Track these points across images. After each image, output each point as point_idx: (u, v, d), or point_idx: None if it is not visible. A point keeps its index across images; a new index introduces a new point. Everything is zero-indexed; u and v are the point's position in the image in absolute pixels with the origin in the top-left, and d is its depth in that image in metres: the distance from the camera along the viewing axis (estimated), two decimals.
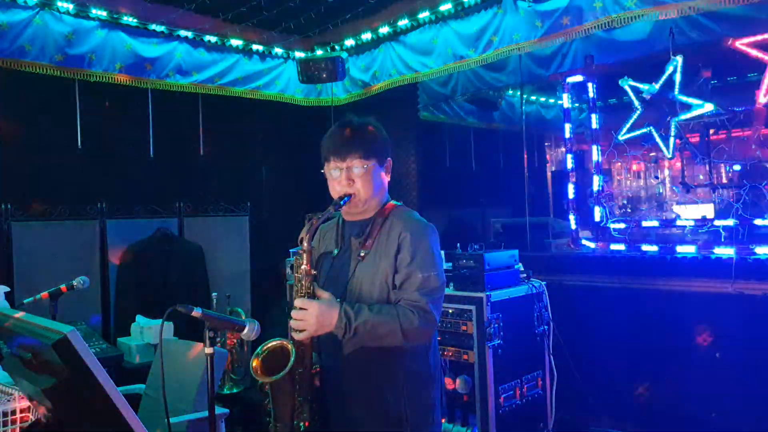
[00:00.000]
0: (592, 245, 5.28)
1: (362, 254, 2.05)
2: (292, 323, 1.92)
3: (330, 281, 2.10)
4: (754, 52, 4.56)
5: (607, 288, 4.67)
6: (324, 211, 2.02)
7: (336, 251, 2.16)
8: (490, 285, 3.80)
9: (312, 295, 1.95)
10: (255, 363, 1.95)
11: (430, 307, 1.94)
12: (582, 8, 4.27)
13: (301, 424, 1.95)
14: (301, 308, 1.91)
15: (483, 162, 8.29)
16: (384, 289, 1.99)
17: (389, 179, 2.18)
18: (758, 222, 4.37)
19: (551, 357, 4.12)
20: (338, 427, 2.04)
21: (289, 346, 1.93)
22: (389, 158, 2.17)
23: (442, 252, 2.25)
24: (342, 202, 2.04)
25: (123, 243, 5.30)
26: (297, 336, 1.92)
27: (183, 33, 5.30)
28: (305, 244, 1.97)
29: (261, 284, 6.05)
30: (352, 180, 2.05)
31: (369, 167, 2.06)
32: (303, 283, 1.96)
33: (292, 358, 1.90)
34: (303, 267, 1.96)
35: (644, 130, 5.15)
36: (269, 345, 1.98)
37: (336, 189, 2.09)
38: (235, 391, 4.94)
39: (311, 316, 1.89)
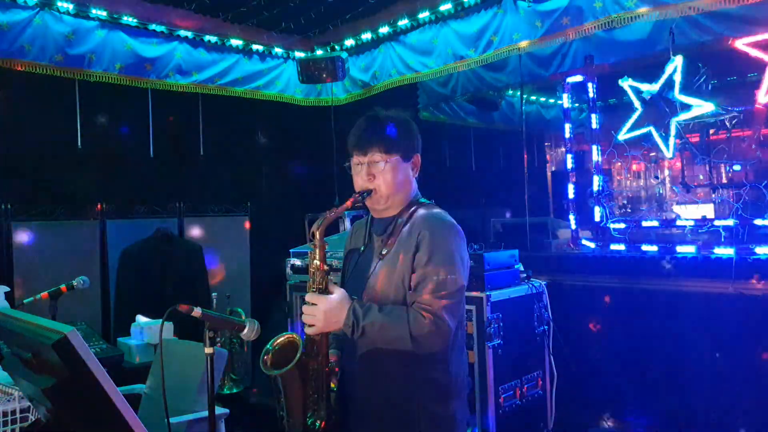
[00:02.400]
0: (592, 245, 5.28)
1: (383, 252, 2.00)
2: (302, 317, 1.91)
3: (354, 278, 2.08)
4: (754, 52, 4.56)
5: (607, 288, 4.67)
6: (341, 205, 1.96)
7: (362, 248, 2.12)
8: (490, 285, 3.79)
9: (324, 290, 1.91)
10: (266, 357, 1.93)
11: (444, 312, 1.84)
12: (582, 8, 4.27)
13: (317, 422, 1.92)
14: (311, 303, 1.89)
15: (483, 162, 8.30)
16: (400, 290, 1.93)
17: (417, 175, 2.10)
18: (758, 222, 4.37)
19: (551, 357, 4.11)
20: (352, 428, 2.02)
21: (298, 340, 1.92)
22: (417, 154, 2.07)
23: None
24: (361, 197, 1.99)
25: (123, 243, 5.30)
26: (306, 330, 1.90)
27: (183, 33, 5.30)
28: (317, 239, 1.92)
29: (261, 284, 6.06)
30: (372, 175, 1.98)
31: (391, 162, 1.98)
32: (315, 277, 1.92)
33: (300, 351, 1.88)
34: (315, 262, 1.92)
35: (644, 130, 5.15)
36: (279, 340, 1.97)
37: (358, 183, 2.03)
38: (235, 391, 4.94)
39: (319, 311, 1.86)
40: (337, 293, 1.90)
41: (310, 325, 1.88)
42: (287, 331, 4.31)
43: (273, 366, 1.91)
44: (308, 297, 1.90)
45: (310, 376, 1.92)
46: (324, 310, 1.86)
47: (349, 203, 1.97)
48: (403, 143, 2.02)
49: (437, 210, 2.06)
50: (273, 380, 1.92)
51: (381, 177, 1.98)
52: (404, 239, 1.97)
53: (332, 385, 1.98)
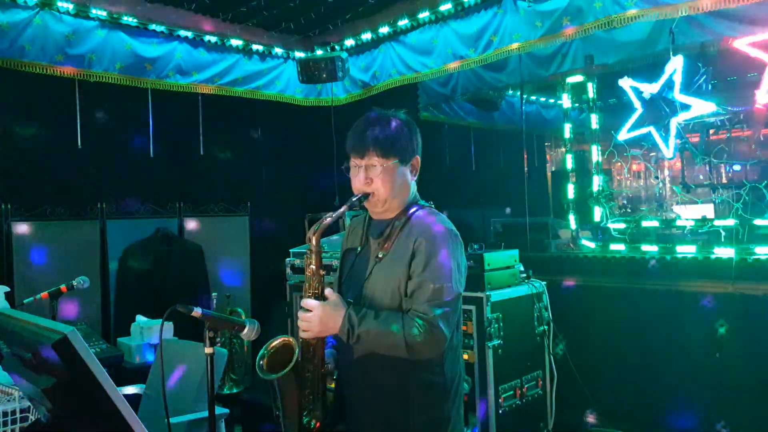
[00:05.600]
0: (592, 245, 5.27)
1: (380, 256, 1.98)
2: (298, 323, 1.91)
3: (350, 279, 2.08)
4: (754, 52, 4.56)
5: (607, 288, 4.67)
6: (337, 210, 1.95)
7: (359, 248, 2.10)
8: (490, 285, 3.79)
9: (320, 296, 1.91)
10: (262, 362, 1.94)
11: (439, 322, 1.83)
12: (582, 8, 4.27)
13: (312, 422, 1.93)
14: (306, 309, 1.89)
15: (483, 162, 8.29)
16: (396, 296, 1.92)
17: (416, 178, 2.07)
18: (758, 222, 4.37)
19: (551, 357, 4.12)
20: (348, 429, 2.02)
21: (293, 343, 1.93)
22: (417, 156, 2.04)
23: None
24: (358, 201, 1.97)
25: (123, 243, 5.30)
26: (301, 335, 1.91)
27: (183, 33, 5.30)
28: (313, 244, 1.92)
29: (261, 284, 6.06)
30: (370, 179, 1.96)
31: (389, 167, 1.95)
32: (311, 282, 1.93)
33: (296, 355, 1.89)
34: (311, 267, 1.92)
35: (644, 130, 5.15)
36: (274, 343, 1.97)
37: (355, 186, 2.00)
38: (235, 391, 4.94)
39: (315, 317, 1.87)
40: (333, 299, 1.90)
41: (305, 330, 1.89)
42: (287, 331, 4.32)
43: (269, 369, 1.92)
44: (304, 303, 1.91)
45: (306, 378, 1.93)
46: (320, 316, 1.87)
47: (345, 207, 1.95)
48: (401, 146, 1.98)
49: (435, 214, 2.04)
50: (269, 382, 1.93)
51: (379, 180, 1.95)
52: (401, 244, 1.96)
53: (331, 385, 1.98)
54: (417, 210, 2.03)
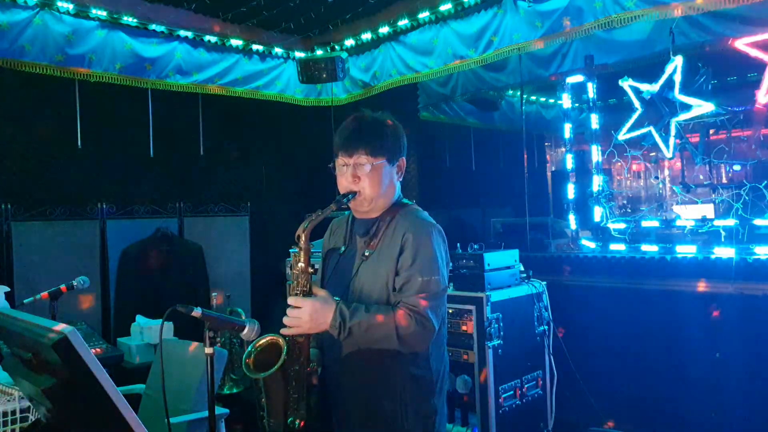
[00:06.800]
0: (592, 245, 5.27)
1: (366, 254, 2.01)
2: (285, 320, 1.90)
3: (335, 278, 2.09)
4: (754, 52, 4.56)
5: (607, 288, 4.67)
6: (325, 207, 1.97)
7: (343, 248, 2.13)
8: (490, 285, 3.80)
9: (308, 293, 1.92)
10: (248, 360, 1.94)
11: (429, 313, 1.88)
12: (582, 8, 4.27)
13: (297, 421, 1.93)
14: (294, 306, 1.89)
15: (483, 162, 8.30)
16: (384, 291, 1.96)
17: (401, 179, 2.12)
18: (758, 222, 4.37)
19: (551, 357, 4.12)
20: (336, 427, 2.02)
21: (281, 342, 1.92)
22: (402, 157, 2.10)
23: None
24: (345, 200, 2.00)
25: (123, 243, 5.30)
26: (286, 332, 1.90)
27: (183, 33, 5.30)
28: (302, 242, 1.93)
29: (261, 284, 6.06)
30: (357, 177, 2.00)
31: (376, 165, 1.99)
32: (299, 280, 1.93)
33: (284, 354, 1.89)
34: (300, 264, 1.93)
35: (644, 130, 5.15)
36: (261, 342, 1.97)
37: (342, 185, 2.04)
38: (235, 391, 4.93)
39: (305, 314, 1.87)
40: (322, 294, 1.91)
41: (295, 327, 1.88)
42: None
43: (256, 368, 1.91)
44: (291, 300, 1.90)
45: (292, 377, 1.93)
46: (309, 313, 1.87)
47: (333, 206, 1.97)
48: (389, 146, 2.03)
49: (419, 211, 2.09)
50: (254, 382, 1.94)
51: (366, 179, 1.99)
52: (387, 241, 2.00)
53: (313, 381, 1.98)
54: (401, 208, 2.08)
